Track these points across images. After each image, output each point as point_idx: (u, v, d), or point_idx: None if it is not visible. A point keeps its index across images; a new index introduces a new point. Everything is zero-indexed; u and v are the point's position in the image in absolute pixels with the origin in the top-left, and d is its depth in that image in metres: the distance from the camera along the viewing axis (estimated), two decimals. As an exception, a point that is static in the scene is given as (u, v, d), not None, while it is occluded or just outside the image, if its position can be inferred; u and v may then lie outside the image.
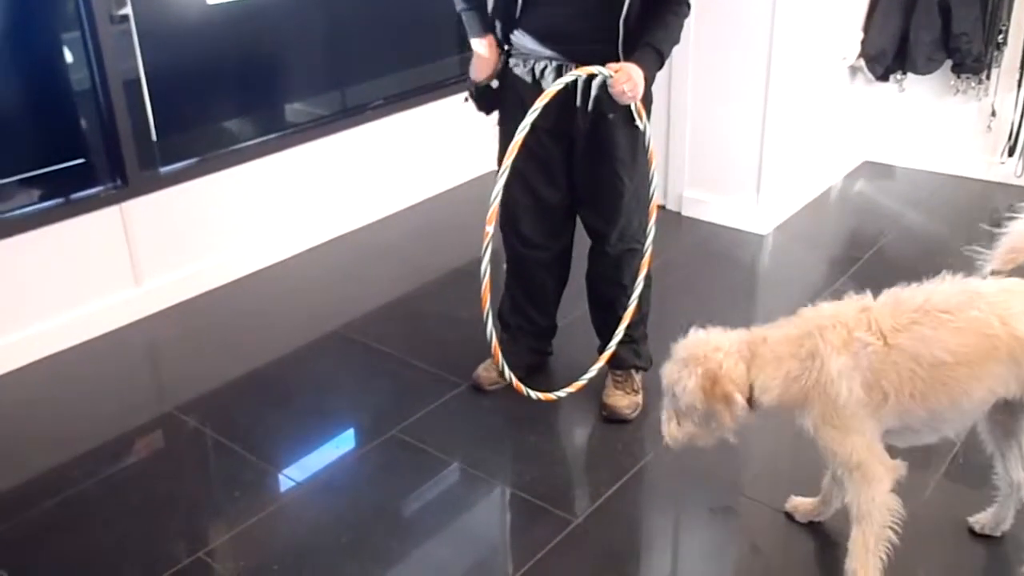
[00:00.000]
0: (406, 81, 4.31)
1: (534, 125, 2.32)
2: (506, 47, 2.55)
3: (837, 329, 1.91)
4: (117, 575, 2.29)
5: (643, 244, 2.66)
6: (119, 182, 3.31)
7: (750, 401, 1.97)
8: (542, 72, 2.47)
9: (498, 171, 2.34)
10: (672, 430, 2.06)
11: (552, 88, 2.30)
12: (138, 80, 3.27)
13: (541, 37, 2.43)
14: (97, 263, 3.31)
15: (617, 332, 2.66)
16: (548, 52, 2.44)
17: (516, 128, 2.30)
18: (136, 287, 3.43)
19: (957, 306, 1.88)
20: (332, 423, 2.88)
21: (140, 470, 2.70)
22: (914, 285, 1.98)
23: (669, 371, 2.04)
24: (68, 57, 3.15)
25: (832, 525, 2.31)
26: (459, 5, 2.55)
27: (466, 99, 2.68)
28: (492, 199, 2.27)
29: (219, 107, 3.70)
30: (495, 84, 2.58)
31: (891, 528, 1.97)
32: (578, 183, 2.62)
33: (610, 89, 2.35)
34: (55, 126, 3.22)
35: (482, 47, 2.53)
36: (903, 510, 1.98)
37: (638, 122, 2.45)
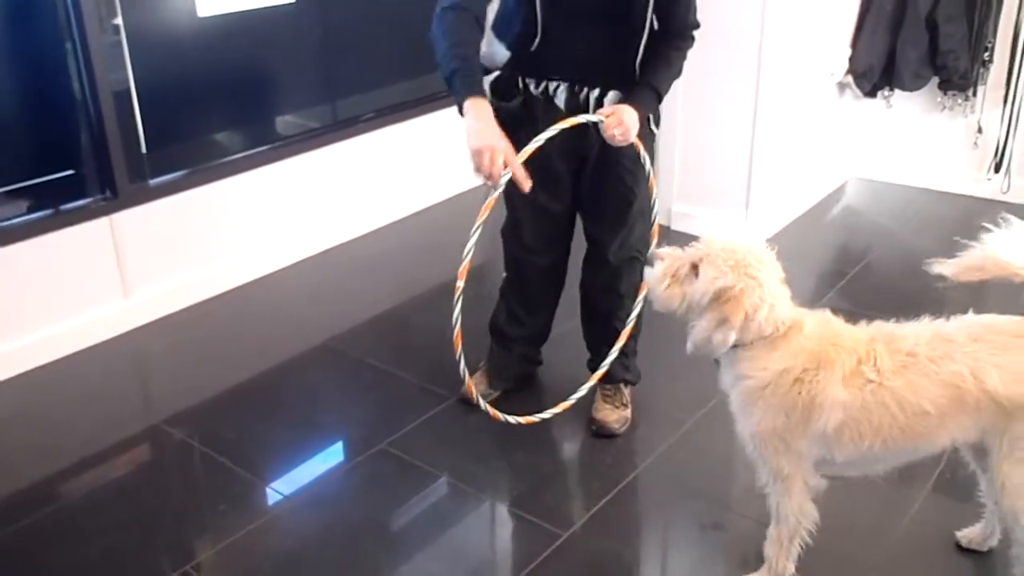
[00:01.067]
0: (397, 94, 4.32)
1: (544, 147, 2.24)
2: (519, 78, 2.48)
3: (850, 356, 1.89)
4: (102, 589, 2.27)
5: (643, 255, 2.65)
6: (108, 194, 3.31)
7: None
8: (555, 90, 2.46)
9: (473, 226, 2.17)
10: (660, 282, 1.98)
11: (540, 138, 2.21)
12: (128, 91, 3.27)
13: (558, 65, 2.42)
14: (86, 275, 3.30)
15: (611, 351, 2.62)
16: (563, 76, 2.44)
17: (523, 142, 2.22)
18: (125, 299, 3.42)
19: (940, 356, 1.86)
20: (320, 436, 2.87)
21: (126, 483, 2.68)
22: (896, 322, 1.98)
23: (713, 250, 1.94)
24: (58, 68, 3.15)
25: (822, 542, 2.32)
26: (450, 64, 2.24)
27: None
28: (465, 255, 2.14)
29: (209, 119, 3.71)
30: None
31: (807, 529, 2.05)
32: (585, 193, 2.62)
33: (603, 134, 2.35)
34: (44, 137, 3.22)
35: (480, 111, 2.16)
36: (836, 517, 2.06)
37: (641, 154, 2.44)
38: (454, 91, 2.22)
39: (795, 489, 2.01)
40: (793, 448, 1.95)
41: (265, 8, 3.66)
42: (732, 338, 1.90)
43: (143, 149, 3.37)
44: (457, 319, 2.20)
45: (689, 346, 2.00)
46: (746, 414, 1.99)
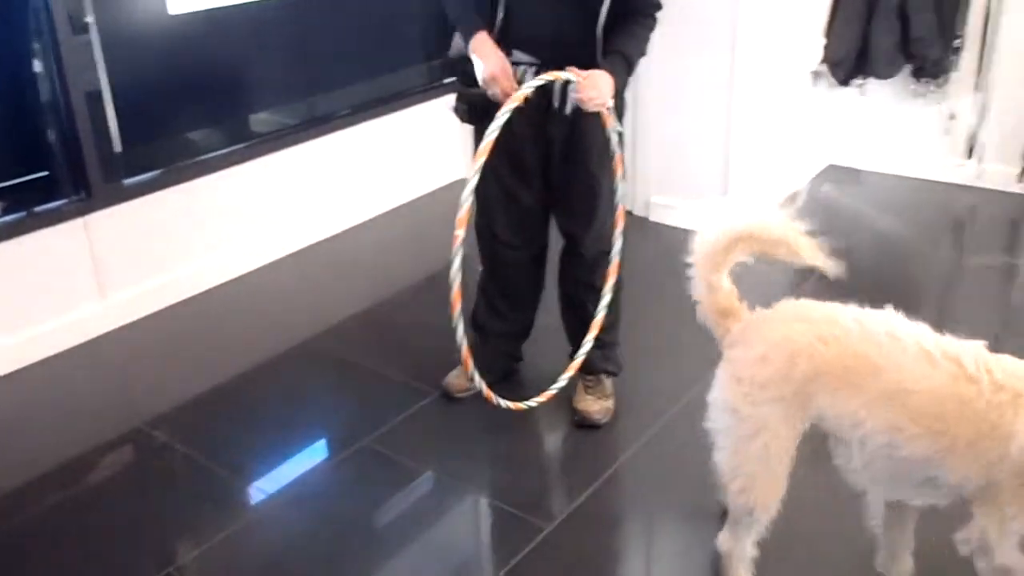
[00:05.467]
0: (373, 90, 4.30)
1: (512, 129, 2.34)
2: None
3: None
4: (86, 593, 2.26)
5: (613, 248, 2.66)
6: (83, 194, 3.28)
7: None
8: (523, 76, 2.47)
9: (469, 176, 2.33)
10: None
11: (520, 93, 2.30)
12: (101, 91, 3.24)
13: (522, 46, 2.44)
14: (61, 276, 3.27)
15: (586, 340, 2.66)
16: (528, 59, 2.45)
17: (500, 135, 2.29)
18: (101, 300, 3.39)
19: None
20: (303, 435, 2.86)
21: (107, 486, 2.66)
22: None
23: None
24: (30, 68, 3.11)
25: (813, 528, 2.33)
26: (461, 13, 2.50)
27: (455, 110, 2.60)
28: (462, 202, 2.24)
29: (184, 118, 3.68)
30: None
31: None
32: (554, 185, 2.63)
33: (575, 95, 2.36)
34: (17, 138, 3.18)
35: (481, 44, 2.40)
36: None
37: (607, 129, 2.46)
38: (461, 34, 2.48)
39: None
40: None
41: (237, 5, 3.63)
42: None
43: (117, 149, 3.34)
44: (457, 273, 2.22)
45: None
46: None
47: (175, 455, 2.76)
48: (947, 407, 1.72)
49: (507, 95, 2.34)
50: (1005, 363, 1.76)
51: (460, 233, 2.23)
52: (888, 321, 1.86)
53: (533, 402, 2.59)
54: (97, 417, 2.94)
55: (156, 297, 3.54)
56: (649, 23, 2.48)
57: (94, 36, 3.18)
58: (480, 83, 2.40)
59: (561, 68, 2.37)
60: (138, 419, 2.90)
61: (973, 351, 1.78)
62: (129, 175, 3.41)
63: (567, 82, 2.38)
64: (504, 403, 2.52)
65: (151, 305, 3.52)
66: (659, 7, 2.49)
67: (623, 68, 2.43)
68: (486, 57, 2.38)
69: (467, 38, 2.44)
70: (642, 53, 2.50)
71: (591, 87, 2.33)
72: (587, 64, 2.39)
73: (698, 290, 2.06)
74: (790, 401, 1.88)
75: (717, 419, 2.00)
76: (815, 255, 1.96)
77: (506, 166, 2.57)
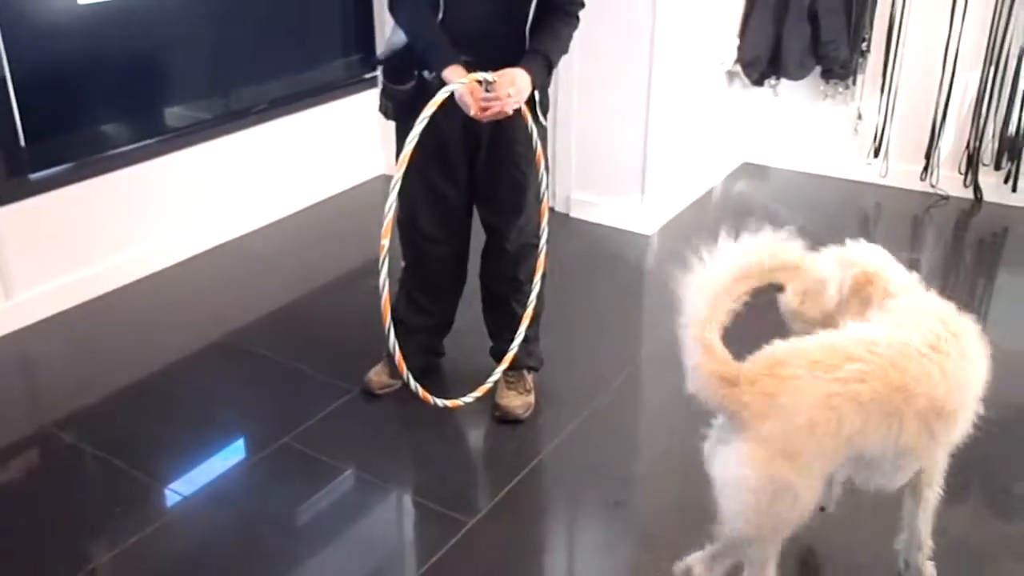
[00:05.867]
0: (292, 85, 4.25)
1: (439, 126, 2.36)
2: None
3: None
4: (-9, 601, 2.19)
5: (540, 240, 2.69)
6: (-15, 189, 3.16)
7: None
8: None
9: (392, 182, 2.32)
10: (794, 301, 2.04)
11: (438, 97, 2.29)
12: (3, 81, 3.12)
13: (455, 41, 2.43)
14: (-38, 275, 3.15)
15: (517, 333, 2.68)
16: (461, 57, 2.45)
17: (426, 132, 2.29)
18: (6, 300, 3.27)
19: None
20: (220, 434, 2.81)
21: (15, 489, 2.58)
22: None
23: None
24: (-74, 58, 2.98)
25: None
26: (422, 39, 2.42)
27: (381, 107, 2.60)
28: (387, 211, 2.23)
29: (94, 111, 3.56)
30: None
31: None
32: (480, 180, 2.64)
33: (493, 93, 2.37)
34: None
35: (457, 76, 2.34)
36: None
37: (528, 125, 2.48)
38: (429, 64, 2.43)
39: None
40: None
41: (150, -6, 3.55)
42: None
43: (22, 143, 3.22)
44: (384, 283, 2.20)
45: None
46: None
47: (85, 457, 2.69)
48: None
49: (486, 112, 2.35)
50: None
51: (385, 243, 2.22)
52: (879, 334, 1.84)
53: (470, 398, 2.60)
54: (3, 418, 2.83)
55: (64, 295, 3.43)
56: (572, 22, 2.52)
57: (-4, 25, 3.06)
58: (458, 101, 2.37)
59: (493, 67, 2.38)
60: (46, 420, 2.81)
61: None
62: (35, 169, 3.30)
63: (486, 82, 2.39)
64: (441, 402, 2.53)
65: (59, 304, 3.41)
66: (582, 6, 2.53)
67: (542, 67, 2.45)
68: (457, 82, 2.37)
69: (440, 68, 2.38)
70: (563, 51, 2.53)
71: (509, 83, 2.35)
72: (515, 62, 2.41)
73: (693, 356, 1.77)
74: (835, 454, 1.80)
75: (754, 499, 1.78)
76: (823, 266, 1.97)
77: (432, 163, 2.56)
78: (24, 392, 3.14)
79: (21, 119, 3.20)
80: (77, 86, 3.43)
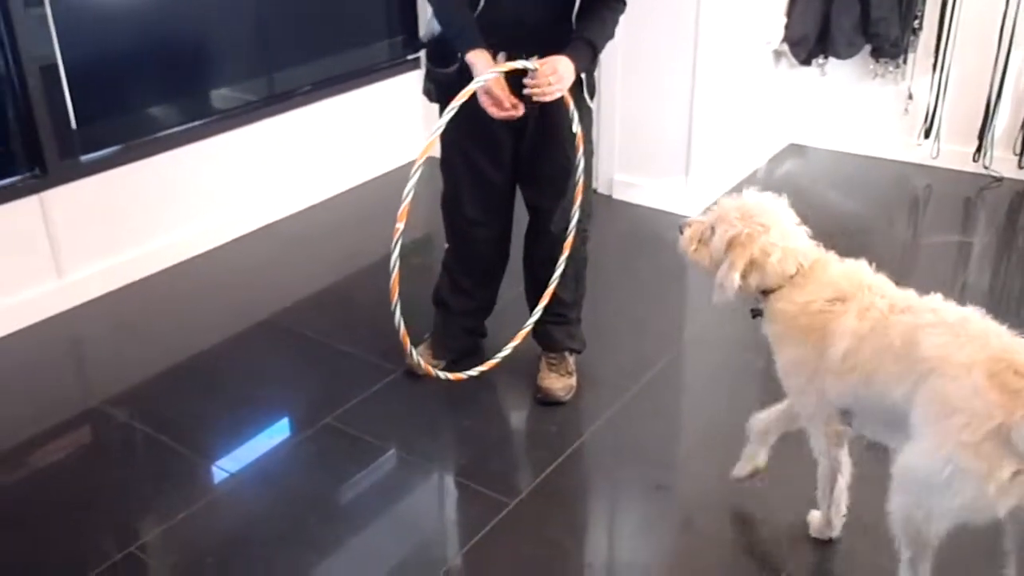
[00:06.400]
0: (336, 66, 4.26)
1: (483, 110, 2.34)
2: None
3: (870, 293, 1.96)
4: (47, 574, 2.24)
5: (570, 224, 2.67)
6: (38, 171, 3.22)
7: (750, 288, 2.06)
8: (494, 58, 2.45)
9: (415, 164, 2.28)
10: (689, 246, 2.16)
11: (466, 91, 2.25)
12: (55, 66, 3.17)
13: (499, 30, 2.41)
14: (17, 255, 3.21)
15: (535, 310, 2.69)
16: (505, 42, 2.44)
17: (469, 115, 2.28)
18: (58, 279, 3.34)
19: (937, 309, 1.89)
20: (265, 413, 2.85)
21: (67, 466, 2.64)
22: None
23: (725, 208, 2.09)
24: (-20, 42, 3.04)
25: (768, 501, 2.38)
26: (452, 22, 2.41)
27: (424, 90, 2.63)
28: (404, 196, 2.21)
29: (142, 93, 3.62)
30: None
31: (843, 476, 2.15)
32: (526, 163, 2.63)
33: (535, 80, 2.35)
34: (-32, 114, 3.12)
35: (483, 60, 2.33)
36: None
37: (571, 111, 2.46)
38: (454, 45, 2.40)
39: (819, 432, 2.09)
40: (815, 384, 2.01)
41: (197, -22, 3.58)
42: (736, 279, 2.02)
43: (73, 125, 3.28)
44: (395, 264, 2.23)
45: (713, 297, 2.10)
46: (777, 351, 2.10)
47: (135, 434, 2.74)
48: None
49: (500, 107, 2.34)
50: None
51: (400, 226, 2.22)
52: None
53: (475, 371, 2.59)
54: (55, 397, 2.90)
55: (115, 275, 3.49)
56: (619, 7, 2.50)
57: (47, 9, 3.11)
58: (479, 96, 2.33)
59: (535, 55, 2.36)
60: (96, 398, 2.87)
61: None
62: (86, 151, 3.35)
63: (528, 69, 2.37)
64: (444, 375, 2.55)
65: (109, 283, 3.48)
66: None
67: (586, 54, 2.43)
68: (481, 71, 2.32)
69: (464, 51, 2.37)
70: (609, 37, 2.50)
71: (551, 71, 2.32)
72: (561, 49, 2.39)
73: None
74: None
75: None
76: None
77: (476, 146, 2.56)
78: (76, 370, 3.21)
79: (72, 102, 3.25)
80: (125, 69, 3.48)
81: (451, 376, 2.56)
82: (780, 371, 2.12)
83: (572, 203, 2.63)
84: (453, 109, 2.24)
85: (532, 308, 2.86)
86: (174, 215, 3.68)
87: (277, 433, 2.77)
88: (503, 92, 2.33)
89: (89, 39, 3.30)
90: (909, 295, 1.96)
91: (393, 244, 2.23)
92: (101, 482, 2.54)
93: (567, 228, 2.66)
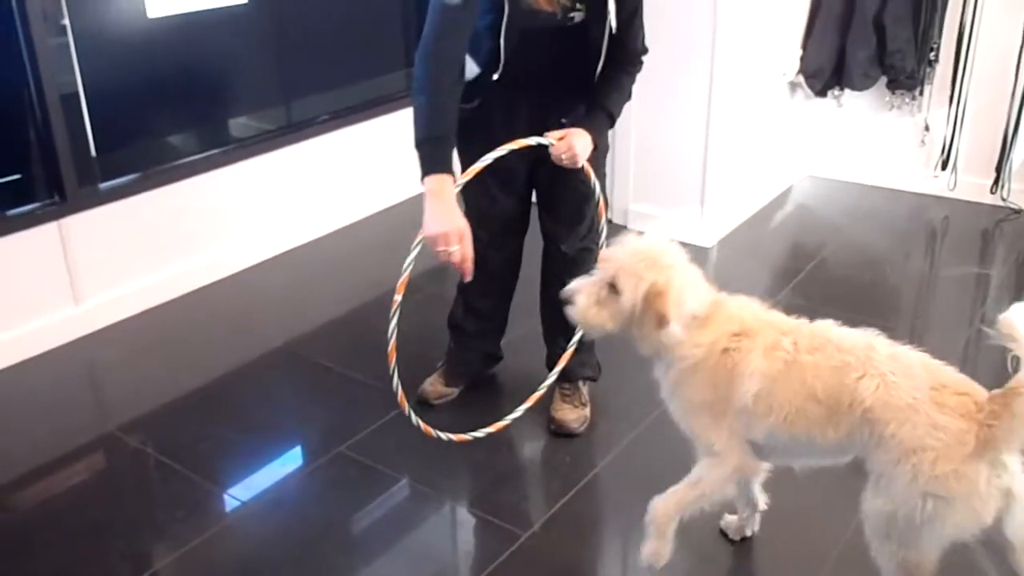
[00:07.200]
0: (353, 96, 4.30)
1: (499, 142, 2.32)
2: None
3: (773, 330, 1.94)
4: (56, 601, 2.23)
5: (597, 244, 2.66)
6: (57, 198, 3.25)
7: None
8: (516, 105, 2.49)
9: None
10: (586, 313, 1.98)
11: (486, 158, 2.29)
12: (76, 94, 3.21)
13: (520, 86, 2.45)
14: (35, 281, 3.23)
15: (571, 342, 2.64)
16: (525, 94, 2.47)
17: (478, 151, 2.30)
18: (75, 306, 3.36)
19: (851, 348, 1.87)
20: (278, 441, 2.84)
21: (81, 493, 2.63)
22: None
23: (621, 260, 1.95)
24: (3, 70, 3.08)
25: (780, 535, 2.35)
26: (426, 131, 2.27)
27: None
28: (404, 269, 2.19)
29: (161, 122, 3.66)
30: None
31: (713, 505, 2.09)
32: (542, 191, 2.67)
33: (552, 156, 2.39)
34: (-10, 141, 3.15)
35: (439, 190, 2.21)
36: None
37: (591, 181, 2.48)
38: (420, 159, 2.28)
39: (726, 465, 2.00)
40: (724, 422, 1.97)
41: (217, 8, 3.62)
42: (678, 329, 1.93)
43: (93, 153, 3.31)
44: (393, 332, 2.21)
45: (645, 352, 2.03)
46: (678, 393, 2.03)
47: (148, 460, 2.74)
48: None
49: (451, 257, 2.22)
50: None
51: (398, 298, 2.19)
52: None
53: (481, 432, 2.45)
54: (70, 422, 2.90)
55: (132, 302, 3.51)
56: (636, 71, 2.54)
57: (70, 38, 3.15)
58: (424, 233, 2.23)
59: (559, 109, 2.41)
60: (111, 424, 2.88)
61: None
62: (105, 179, 3.38)
63: (542, 146, 2.38)
64: (445, 436, 2.39)
65: (126, 310, 3.50)
66: (646, 52, 2.55)
67: (604, 124, 2.48)
68: (442, 208, 2.21)
69: (429, 171, 2.24)
70: (626, 101, 2.54)
71: (565, 149, 2.36)
72: (584, 96, 2.45)
73: None
74: None
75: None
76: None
77: (491, 174, 2.57)
78: (91, 396, 3.21)
79: (92, 130, 3.29)
80: (146, 97, 3.52)
81: (454, 437, 2.43)
82: (681, 413, 2.05)
83: (596, 222, 2.63)
84: (476, 168, 2.28)
85: (545, 332, 2.86)
86: (191, 242, 3.71)
87: (290, 461, 2.77)
88: (468, 249, 2.24)
89: (110, 68, 3.34)
90: (805, 329, 1.94)
91: (391, 314, 2.20)
92: (115, 508, 2.53)
93: (586, 249, 2.67)
